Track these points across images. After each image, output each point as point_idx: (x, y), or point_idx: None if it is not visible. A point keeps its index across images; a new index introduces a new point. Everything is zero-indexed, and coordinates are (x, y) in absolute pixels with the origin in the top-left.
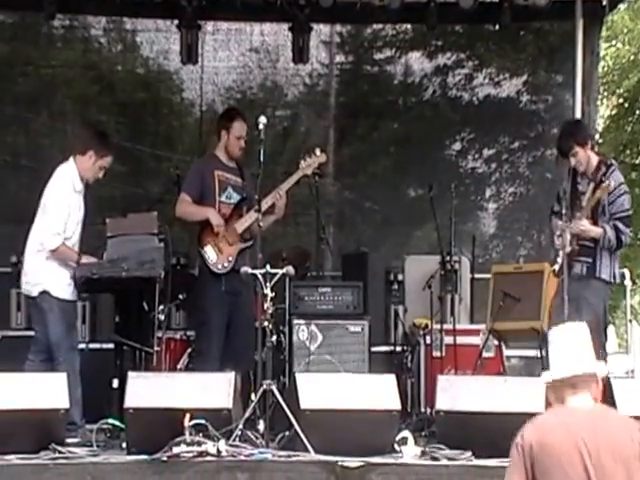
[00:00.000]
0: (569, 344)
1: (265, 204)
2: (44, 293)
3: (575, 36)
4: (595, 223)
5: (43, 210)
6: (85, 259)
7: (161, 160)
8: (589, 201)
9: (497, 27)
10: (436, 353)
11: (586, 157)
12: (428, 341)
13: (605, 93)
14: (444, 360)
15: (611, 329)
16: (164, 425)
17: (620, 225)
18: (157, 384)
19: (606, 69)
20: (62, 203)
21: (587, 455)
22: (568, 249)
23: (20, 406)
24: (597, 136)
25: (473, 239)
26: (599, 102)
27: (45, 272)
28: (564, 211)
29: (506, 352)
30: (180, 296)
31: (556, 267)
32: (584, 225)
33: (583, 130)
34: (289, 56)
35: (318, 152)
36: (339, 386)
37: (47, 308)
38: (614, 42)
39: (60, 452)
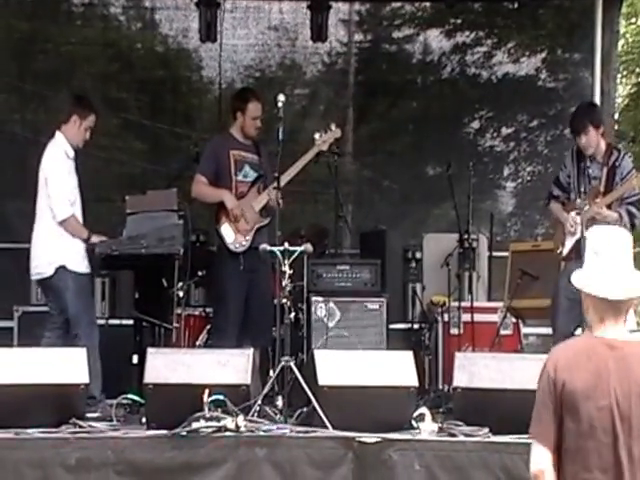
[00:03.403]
0: (616, 255)
1: (282, 182)
2: (60, 269)
3: (595, 13)
4: (608, 208)
5: (46, 187)
6: (95, 237)
7: (180, 138)
8: (617, 190)
9: (516, 4)
10: (454, 330)
11: (596, 140)
12: (446, 318)
13: (624, 72)
14: (462, 337)
15: None
16: (183, 400)
17: (633, 209)
18: (176, 360)
19: (626, 47)
20: (62, 173)
21: (616, 409)
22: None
23: (41, 381)
24: (616, 115)
25: (491, 217)
26: (618, 80)
27: (60, 248)
28: (572, 196)
29: (523, 330)
30: (199, 273)
31: (564, 251)
32: (604, 210)
33: (598, 113)
34: (308, 34)
35: (333, 127)
36: (357, 363)
37: (63, 285)
38: (634, 20)
39: (81, 426)
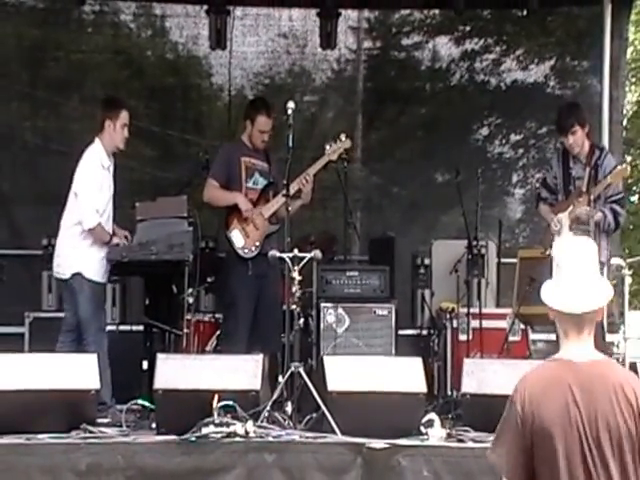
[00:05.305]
0: (578, 267)
1: (291, 189)
2: (77, 275)
3: (603, 20)
4: (594, 202)
5: (76, 192)
6: (117, 239)
7: (190, 145)
8: (600, 185)
9: (525, 12)
10: (462, 337)
11: (582, 139)
12: (454, 325)
13: (633, 79)
14: (470, 343)
15: (637, 314)
16: (193, 406)
17: (617, 208)
18: (186, 366)
19: (634, 54)
20: (94, 182)
21: (584, 435)
22: (570, 234)
23: (52, 386)
24: (625, 121)
25: (500, 224)
26: (627, 87)
27: (79, 254)
28: (560, 197)
29: (532, 336)
30: (209, 279)
31: (552, 252)
32: (588, 209)
33: (583, 112)
34: (317, 41)
35: (343, 137)
36: (366, 369)
37: (78, 289)
38: None
39: (91, 432)
